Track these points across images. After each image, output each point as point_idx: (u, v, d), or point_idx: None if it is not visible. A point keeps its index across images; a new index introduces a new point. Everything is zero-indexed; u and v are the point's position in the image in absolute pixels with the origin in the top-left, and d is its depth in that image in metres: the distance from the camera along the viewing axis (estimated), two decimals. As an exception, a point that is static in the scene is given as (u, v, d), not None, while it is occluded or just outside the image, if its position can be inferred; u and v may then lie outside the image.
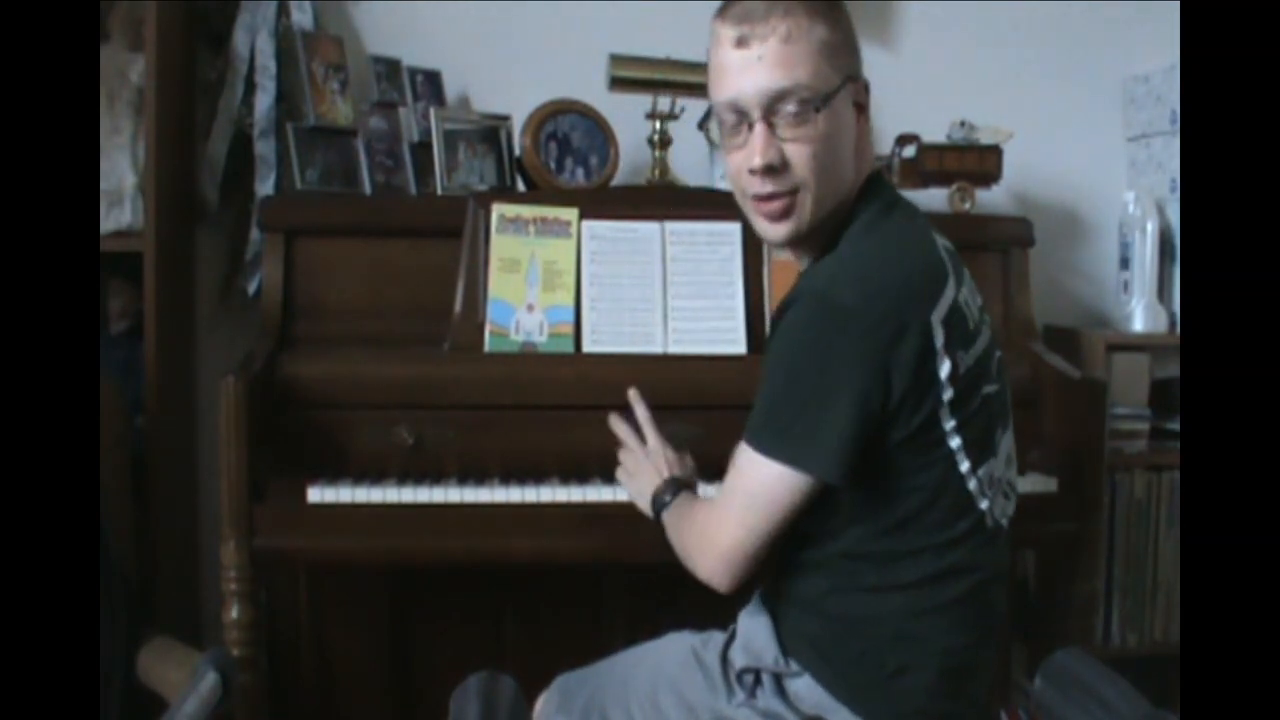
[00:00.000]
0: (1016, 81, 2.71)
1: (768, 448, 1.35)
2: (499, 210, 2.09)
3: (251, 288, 2.33)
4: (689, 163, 2.44)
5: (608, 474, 1.77)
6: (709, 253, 2.14)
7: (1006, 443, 1.47)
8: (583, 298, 2.09)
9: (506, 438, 2.00)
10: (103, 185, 2.14)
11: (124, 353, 2.27)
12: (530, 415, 2.01)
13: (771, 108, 1.36)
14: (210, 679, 1.45)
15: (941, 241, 1.45)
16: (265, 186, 2.31)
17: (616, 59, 2.26)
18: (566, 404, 2.00)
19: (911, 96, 2.44)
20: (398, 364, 2.01)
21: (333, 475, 1.90)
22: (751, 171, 1.39)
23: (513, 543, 1.88)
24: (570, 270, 2.09)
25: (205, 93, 2.41)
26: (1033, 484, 2.00)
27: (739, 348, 2.09)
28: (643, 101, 2.32)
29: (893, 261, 1.37)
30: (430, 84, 2.47)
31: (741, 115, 1.38)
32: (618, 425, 1.69)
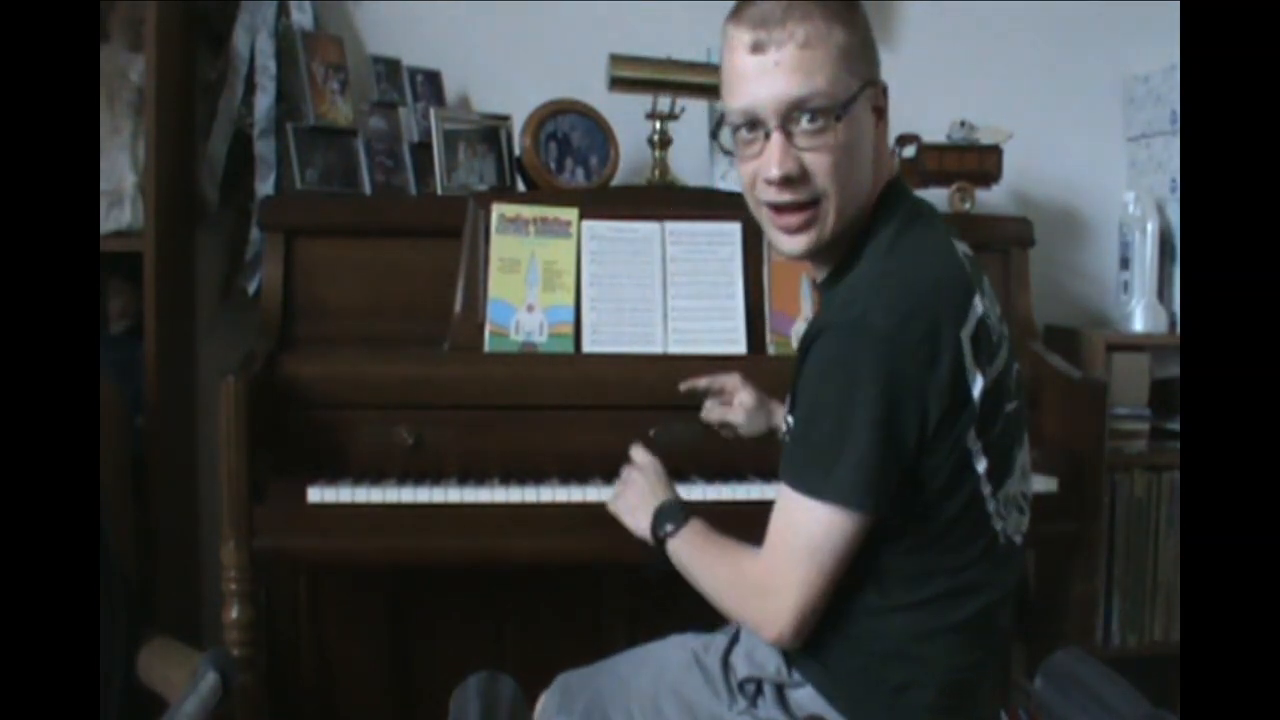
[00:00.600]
0: (1016, 81, 2.72)
1: (819, 490, 1.29)
2: (499, 210, 2.09)
3: (251, 288, 2.33)
4: (689, 163, 2.44)
5: (607, 474, 1.77)
6: (709, 253, 2.13)
7: (1022, 457, 1.42)
8: (583, 298, 2.09)
9: (506, 438, 2.00)
10: (103, 185, 2.14)
11: (124, 353, 2.27)
12: (530, 415, 2.01)
13: (789, 116, 1.31)
14: (210, 679, 1.45)
15: (961, 248, 1.40)
16: (265, 186, 2.31)
17: (616, 59, 2.25)
18: (566, 404, 2.00)
19: (911, 96, 2.42)
20: (398, 364, 2.01)
21: (333, 475, 1.90)
22: (768, 181, 1.34)
23: (512, 543, 1.87)
24: (570, 270, 2.09)
25: (205, 93, 2.41)
26: (1033, 484, 1.99)
27: (739, 348, 2.09)
28: (643, 101, 2.31)
29: (924, 280, 1.31)
30: (430, 84, 2.47)
31: (757, 124, 1.33)
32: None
